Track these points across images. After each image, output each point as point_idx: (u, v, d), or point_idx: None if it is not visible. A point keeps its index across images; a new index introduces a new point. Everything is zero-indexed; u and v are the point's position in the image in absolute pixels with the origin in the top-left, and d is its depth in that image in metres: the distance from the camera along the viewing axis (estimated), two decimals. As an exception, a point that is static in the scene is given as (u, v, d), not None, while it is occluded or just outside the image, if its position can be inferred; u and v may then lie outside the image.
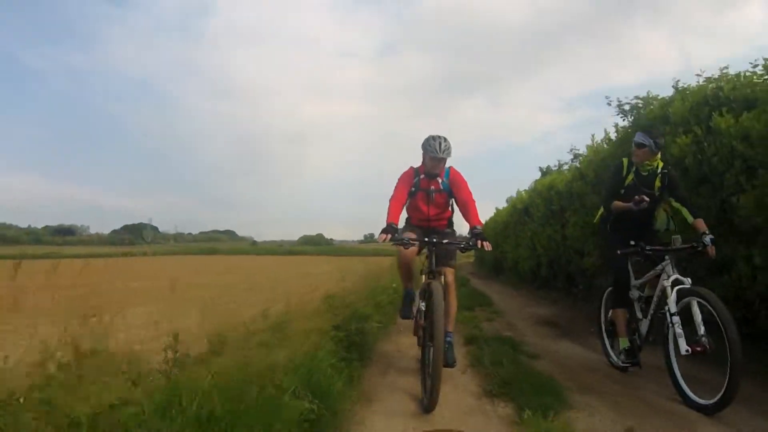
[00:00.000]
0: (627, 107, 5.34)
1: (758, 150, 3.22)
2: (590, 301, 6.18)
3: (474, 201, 3.44)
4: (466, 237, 3.42)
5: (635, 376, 3.35)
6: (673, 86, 4.63)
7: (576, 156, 8.34)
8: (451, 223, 3.68)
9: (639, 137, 3.32)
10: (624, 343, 3.40)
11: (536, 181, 10.44)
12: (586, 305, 6.20)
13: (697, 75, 4.32)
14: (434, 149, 3.29)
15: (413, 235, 3.29)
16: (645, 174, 3.33)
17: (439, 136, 3.33)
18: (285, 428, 1.94)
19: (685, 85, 4.49)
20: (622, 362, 3.44)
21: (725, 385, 2.48)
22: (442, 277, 3.25)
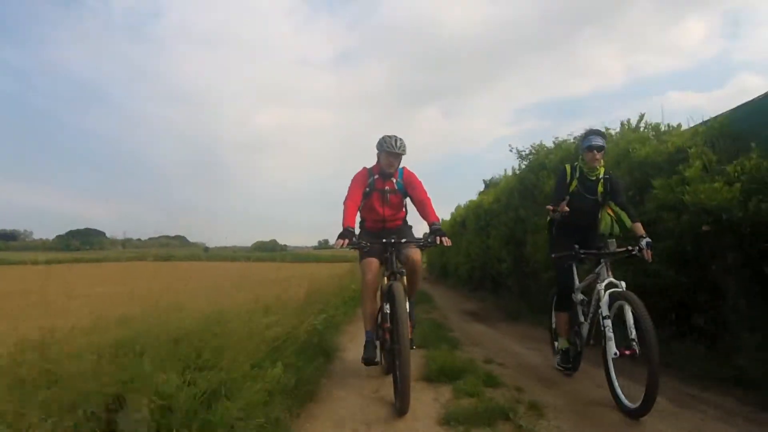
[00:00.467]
0: (524, 153, 7.22)
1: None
2: (504, 297, 8.03)
3: (430, 199, 3.48)
4: (425, 234, 3.47)
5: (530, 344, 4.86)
6: (553, 141, 6.53)
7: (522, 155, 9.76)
8: (405, 221, 3.70)
9: (596, 140, 3.32)
10: (563, 344, 3.51)
11: (469, 200, 12.40)
12: (501, 300, 8.04)
13: (569, 135, 6.20)
14: (390, 145, 3.32)
15: (374, 245, 3.27)
16: (592, 179, 3.38)
17: (395, 135, 3.38)
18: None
19: (561, 141, 6.38)
20: (557, 365, 3.57)
21: (644, 391, 2.51)
22: (404, 278, 3.27)
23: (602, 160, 3.38)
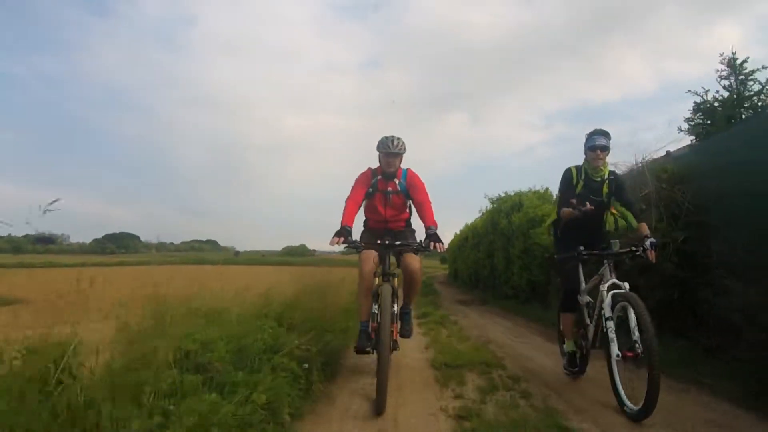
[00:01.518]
0: (493, 199, 10.96)
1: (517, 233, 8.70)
2: (483, 291, 11.69)
3: (430, 202, 3.48)
4: (421, 240, 3.36)
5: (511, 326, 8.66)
6: (513, 192, 10.24)
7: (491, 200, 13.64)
8: (409, 224, 3.71)
9: (600, 140, 3.23)
10: (569, 346, 3.45)
11: (468, 223, 16.09)
12: (481, 293, 11.71)
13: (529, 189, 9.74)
14: (387, 145, 3.38)
15: (371, 247, 3.32)
16: (597, 180, 3.31)
17: (393, 135, 3.42)
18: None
19: (516, 192, 10.06)
20: (564, 368, 3.52)
21: (645, 393, 2.49)
22: (396, 280, 3.32)
23: (606, 161, 3.33)
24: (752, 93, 5.88)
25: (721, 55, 6.03)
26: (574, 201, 3.13)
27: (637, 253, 3.04)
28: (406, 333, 3.58)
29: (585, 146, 3.33)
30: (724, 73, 6.09)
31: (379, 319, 3.03)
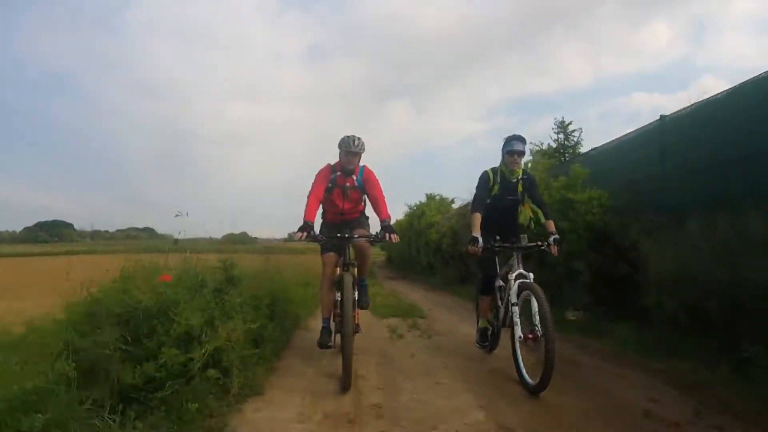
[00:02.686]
0: (412, 206, 15.01)
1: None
2: (409, 270, 15.73)
3: (384, 197, 3.72)
4: (376, 231, 3.60)
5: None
6: (426, 195, 14.34)
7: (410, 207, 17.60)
8: (363, 213, 3.97)
9: (517, 145, 3.56)
10: (482, 323, 3.85)
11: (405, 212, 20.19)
12: (406, 272, 15.52)
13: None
14: (348, 144, 3.58)
15: (331, 243, 3.54)
16: (513, 181, 3.64)
17: (354, 135, 3.61)
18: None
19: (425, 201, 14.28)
20: (476, 342, 3.95)
21: (542, 371, 2.80)
22: (355, 269, 3.55)
23: (521, 162, 3.67)
24: (574, 143, 9.25)
25: (555, 119, 9.31)
26: (476, 248, 3.42)
27: (542, 247, 3.44)
28: (364, 304, 3.79)
29: (503, 150, 3.65)
30: (555, 130, 9.40)
31: (342, 305, 3.27)
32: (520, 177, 3.69)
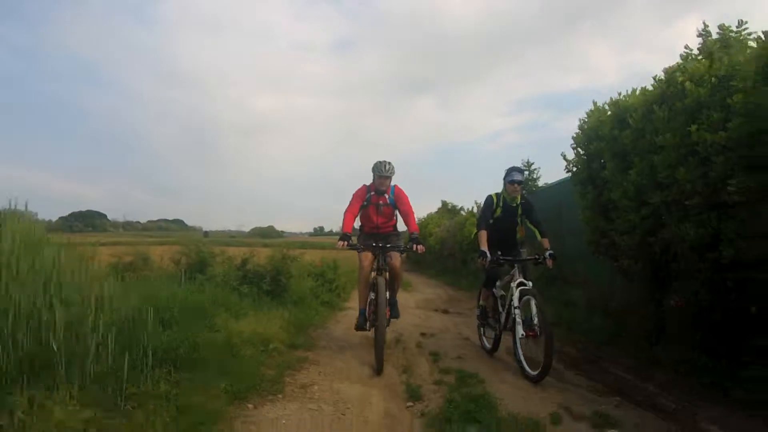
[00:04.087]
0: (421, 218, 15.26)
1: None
2: (423, 267, 15.79)
3: (413, 212, 4.35)
4: (406, 243, 4.35)
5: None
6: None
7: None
8: (395, 228, 4.52)
9: (517, 176, 4.11)
10: (481, 302, 4.53)
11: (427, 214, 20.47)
12: (421, 268, 15.85)
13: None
14: (380, 170, 4.17)
15: (368, 250, 4.17)
16: (513, 206, 4.19)
17: (385, 161, 4.20)
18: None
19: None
20: (477, 325, 4.64)
21: (542, 363, 3.29)
22: (387, 273, 4.11)
23: (520, 189, 4.14)
24: (536, 178, 9.59)
25: (522, 159, 9.79)
26: (484, 261, 3.95)
27: (539, 261, 3.96)
28: (395, 315, 4.36)
29: (505, 179, 4.20)
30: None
31: (376, 303, 3.83)
32: (519, 202, 4.21)
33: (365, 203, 4.34)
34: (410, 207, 4.39)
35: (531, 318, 3.57)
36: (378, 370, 3.66)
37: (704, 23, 3.58)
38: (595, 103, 4.64)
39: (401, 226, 4.61)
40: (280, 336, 4.26)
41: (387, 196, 4.34)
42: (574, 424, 2.72)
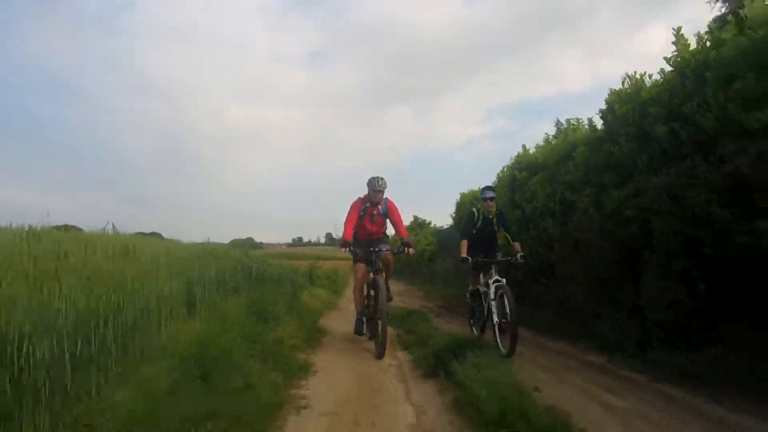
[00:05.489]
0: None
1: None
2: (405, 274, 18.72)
3: (402, 221, 5.07)
4: (397, 245, 5.02)
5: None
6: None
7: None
8: (385, 234, 5.17)
9: (489, 194, 5.01)
10: (471, 288, 5.22)
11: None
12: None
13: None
14: (374, 184, 4.80)
15: (363, 257, 4.72)
16: (490, 217, 4.98)
17: (379, 177, 4.83)
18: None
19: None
20: (468, 311, 5.36)
21: (509, 343, 4.09)
22: (383, 273, 4.68)
23: (494, 204, 5.00)
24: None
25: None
26: (468, 259, 4.77)
27: (512, 261, 4.69)
28: (389, 298, 4.85)
29: (481, 197, 5.15)
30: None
31: (376, 299, 4.49)
32: (494, 213, 5.06)
33: (361, 213, 4.92)
34: (400, 216, 5.07)
35: (503, 308, 4.29)
36: (379, 356, 4.27)
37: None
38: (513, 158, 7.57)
39: (390, 232, 5.28)
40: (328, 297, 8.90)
41: (380, 207, 4.94)
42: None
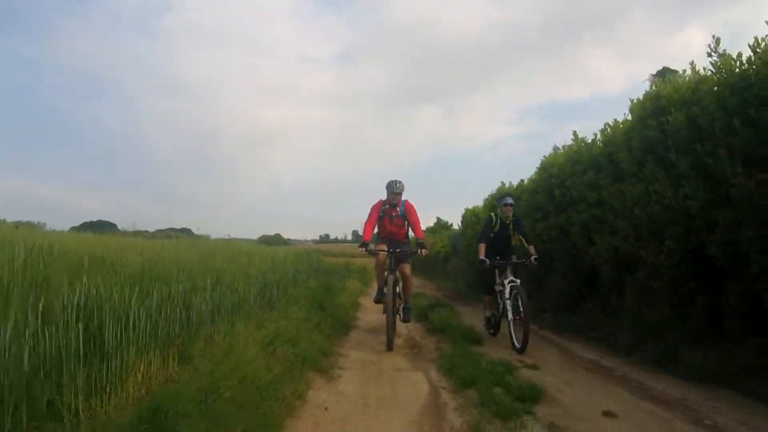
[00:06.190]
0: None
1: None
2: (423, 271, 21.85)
3: (420, 222, 5.26)
4: (413, 246, 5.23)
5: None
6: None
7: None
8: (406, 236, 5.40)
9: (508, 200, 5.36)
10: (487, 314, 5.50)
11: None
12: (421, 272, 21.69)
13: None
14: (392, 187, 5.07)
15: (383, 247, 5.07)
16: (507, 222, 5.30)
17: (397, 180, 5.10)
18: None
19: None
20: (484, 326, 5.63)
21: (522, 338, 4.46)
22: (397, 272, 5.02)
23: (511, 210, 5.32)
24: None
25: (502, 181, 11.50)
26: (486, 261, 5.15)
27: (526, 263, 5.13)
28: (407, 319, 5.32)
29: (499, 203, 5.53)
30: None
31: (387, 296, 4.85)
32: (511, 219, 5.39)
33: (381, 215, 5.24)
34: (417, 218, 5.28)
35: (518, 306, 4.57)
36: (388, 347, 4.63)
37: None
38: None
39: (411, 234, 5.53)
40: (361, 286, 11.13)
41: (398, 209, 5.21)
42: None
